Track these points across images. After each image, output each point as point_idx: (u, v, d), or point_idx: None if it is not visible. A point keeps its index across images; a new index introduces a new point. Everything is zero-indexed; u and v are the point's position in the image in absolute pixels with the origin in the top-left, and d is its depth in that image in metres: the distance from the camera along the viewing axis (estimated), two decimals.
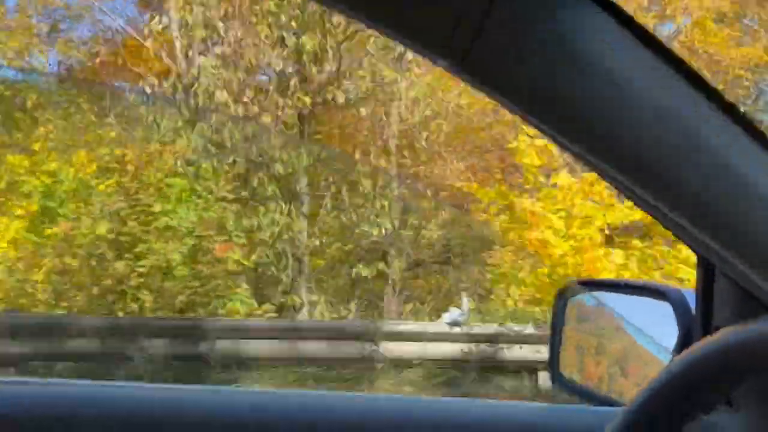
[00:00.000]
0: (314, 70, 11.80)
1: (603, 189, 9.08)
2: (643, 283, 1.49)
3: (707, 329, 1.17)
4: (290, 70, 11.82)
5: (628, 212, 8.80)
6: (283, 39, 11.49)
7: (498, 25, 0.77)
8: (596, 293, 1.63)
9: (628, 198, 1.04)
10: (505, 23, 0.77)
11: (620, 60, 0.81)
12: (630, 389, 1.49)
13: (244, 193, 11.28)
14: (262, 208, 11.22)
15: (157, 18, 12.04)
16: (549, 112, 0.83)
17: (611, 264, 8.81)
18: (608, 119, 0.82)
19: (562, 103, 0.82)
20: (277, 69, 11.92)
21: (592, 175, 7.67)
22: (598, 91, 0.81)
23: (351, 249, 12.36)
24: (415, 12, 0.77)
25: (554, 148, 8.91)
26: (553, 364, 1.57)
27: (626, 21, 0.80)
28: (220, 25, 11.48)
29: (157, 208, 10.45)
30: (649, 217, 1.15)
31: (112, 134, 11.45)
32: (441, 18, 0.77)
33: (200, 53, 11.63)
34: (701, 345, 0.86)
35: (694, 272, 1.21)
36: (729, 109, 0.84)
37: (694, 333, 1.21)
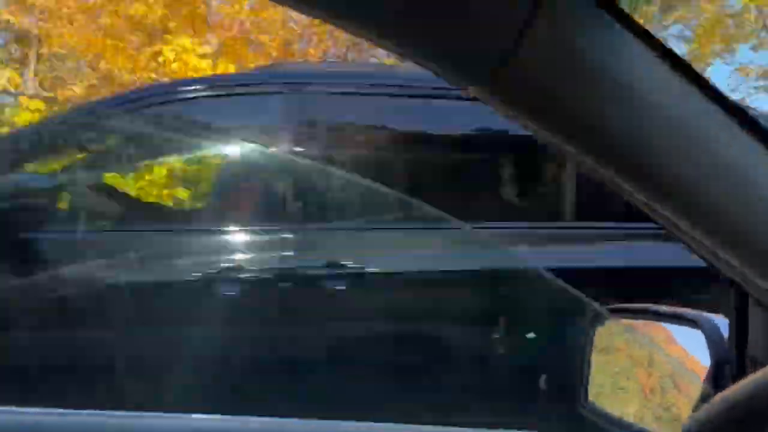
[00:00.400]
0: None
1: None
2: (674, 311, 1.46)
3: (741, 359, 1.13)
4: None
5: None
6: None
7: (528, 50, 0.76)
8: (626, 320, 1.60)
9: (662, 225, 1.02)
10: (534, 48, 0.77)
11: (650, 83, 0.80)
12: (661, 419, 1.45)
13: None
14: None
15: None
16: (580, 136, 0.83)
17: None
18: (643, 145, 0.81)
19: (593, 127, 0.81)
20: None
21: None
22: (630, 114, 0.80)
23: None
24: (444, 38, 0.77)
25: None
26: (581, 391, 1.55)
27: (656, 44, 0.80)
28: None
29: None
30: None
31: None
32: (470, 44, 0.77)
33: None
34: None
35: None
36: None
37: (728, 362, 1.18)
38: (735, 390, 0.85)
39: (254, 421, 1.47)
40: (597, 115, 0.80)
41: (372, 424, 1.48)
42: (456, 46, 0.78)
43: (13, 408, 1.46)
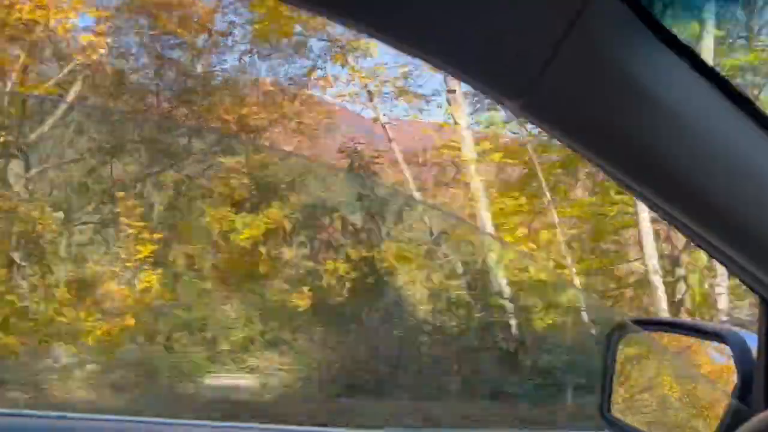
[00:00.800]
0: None
1: None
2: (700, 325, 1.46)
3: None
4: None
5: None
6: None
7: (562, 66, 0.77)
8: (650, 332, 1.60)
9: (692, 241, 1.02)
10: (568, 63, 0.77)
11: (686, 97, 0.80)
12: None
13: None
14: None
15: None
16: (613, 150, 0.83)
17: None
18: (676, 160, 0.81)
19: (626, 141, 0.81)
20: None
21: None
22: (665, 130, 0.80)
23: None
24: (481, 54, 0.78)
25: None
26: (603, 403, 1.54)
27: (693, 58, 0.80)
28: None
29: None
30: None
31: None
32: (505, 59, 0.78)
33: None
34: None
35: None
36: None
37: (755, 377, 1.17)
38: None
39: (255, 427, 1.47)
40: (631, 128, 0.81)
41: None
42: (494, 60, 0.78)
43: (15, 411, 1.48)
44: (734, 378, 1.24)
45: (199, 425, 1.56)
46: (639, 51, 0.79)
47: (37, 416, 1.53)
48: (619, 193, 8.30)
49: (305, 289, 8.56)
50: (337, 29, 9.12)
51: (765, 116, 0.83)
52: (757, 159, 0.83)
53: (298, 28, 9.65)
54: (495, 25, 0.76)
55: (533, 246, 9.36)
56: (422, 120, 10.15)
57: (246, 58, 10.06)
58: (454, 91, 9.04)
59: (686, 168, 0.82)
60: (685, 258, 8.76)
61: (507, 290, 8.78)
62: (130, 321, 8.07)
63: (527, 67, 0.78)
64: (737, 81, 8.28)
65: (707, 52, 7.83)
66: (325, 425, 6.95)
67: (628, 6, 0.77)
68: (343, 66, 9.71)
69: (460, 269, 8.95)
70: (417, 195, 10.00)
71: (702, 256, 8.10)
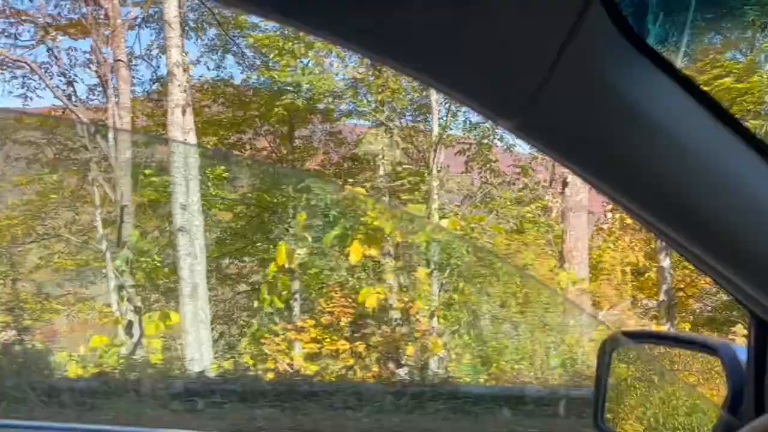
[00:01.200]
0: None
1: None
2: (692, 337, 1.47)
3: (759, 386, 1.15)
4: None
5: None
6: None
7: (556, 86, 0.79)
8: (642, 344, 1.61)
9: (683, 256, 1.04)
10: (562, 84, 0.79)
11: (676, 117, 0.82)
12: None
13: None
14: None
15: None
16: (606, 169, 0.85)
17: None
18: (668, 178, 0.83)
19: (619, 160, 0.83)
20: None
21: None
22: (656, 149, 0.82)
23: None
24: (476, 74, 0.80)
25: None
26: (597, 415, 1.56)
27: (684, 80, 0.82)
28: None
29: None
30: None
31: None
32: (502, 77, 0.80)
33: None
34: None
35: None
36: None
37: (746, 389, 1.19)
38: (762, 423, 0.87)
39: None
40: (624, 148, 0.82)
41: None
42: (489, 80, 0.80)
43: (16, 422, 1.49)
44: (724, 390, 1.26)
45: None
46: (630, 72, 0.80)
47: (35, 428, 1.54)
48: None
49: None
50: None
51: (752, 135, 0.85)
52: (746, 177, 0.85)
53: None
54: (490, 45, 0.77)
55: None
56: None
57: None
58: None
59: (677, 186, 0.84)
60: None
61: None
62: None
63: (522, 87, 0.79)
64: None
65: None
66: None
67: (618, 28, 0.80)
68: None
69: None
70: None
71: None
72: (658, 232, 0.96)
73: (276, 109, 12.27)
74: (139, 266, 10.09)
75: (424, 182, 11.53)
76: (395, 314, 8.91)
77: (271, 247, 10.52)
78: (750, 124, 8.75)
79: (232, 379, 7.95)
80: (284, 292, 9.47)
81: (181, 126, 9.76)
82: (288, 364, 8.67)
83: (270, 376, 8.28)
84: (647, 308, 12.04)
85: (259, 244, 12.16)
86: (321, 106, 12.51)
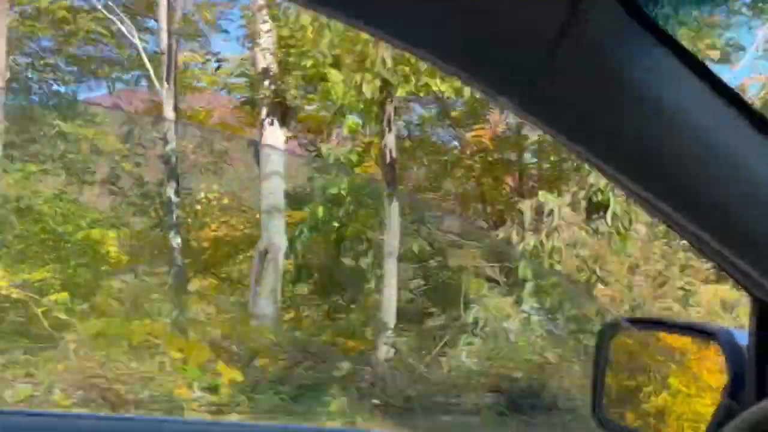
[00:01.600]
0: None
1: None
2: (690, 323, 1.46)
3: (761, 371, 1.13)
4: None
5: None
6: None
7: (559, 63, 0.77)
8: (642, 331, 1.60)
9: (684, 238, 1.03)
10: (566, 61, 0.77)
11: (680, 96, 0.81)
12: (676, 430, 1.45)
13: None
14: None
15: None
16: (608, 149, 0.83)
17: None
18: (671, 159, 0.81)
19: (621, 140, 0.82)
20: None
21: None
22: (660, 128, 0.80)
23: None
24: (478, 51, 0.78)
25: None
26: (595, 403, 1.54)
27: (687, 57, 0.80)
28: None
29: None
30: None
31: None
32: (504, 55, 0.78)
33: None
34: None
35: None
36: None
37: (746, 375, 1.17)
38: (762, 408, 0.85)
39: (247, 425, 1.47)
40: (627, 127, 0.81)
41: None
42: (491, 57, 0.78)
43: (16, 410, 1.48)
44: (725, 376, 1.24)
45: (194, 422, 1.56)
46: (634, 49, 0.79)
47: (37, 414, 1.53)
48: None
49: None
50: None
51: (757, 114, 0.83)
52: (750, 157, 0.84)
53: None
54: (492, 23, 0.76)
55: None
56: None
57: None
58: None
59: (680, 166, 0.83)
60: None
61: None
62: None
63: (524, 65, 0.78)
64: None
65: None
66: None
67: (623, 5, 0.78)
68: None
69: None
70: None
71: None
72: (660, 213, 0.94)
73: None
74: None
75: None
76: None
77: None
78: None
79: None
80: None
81: None
82: None
83: None
84: None
85: None
86: None
